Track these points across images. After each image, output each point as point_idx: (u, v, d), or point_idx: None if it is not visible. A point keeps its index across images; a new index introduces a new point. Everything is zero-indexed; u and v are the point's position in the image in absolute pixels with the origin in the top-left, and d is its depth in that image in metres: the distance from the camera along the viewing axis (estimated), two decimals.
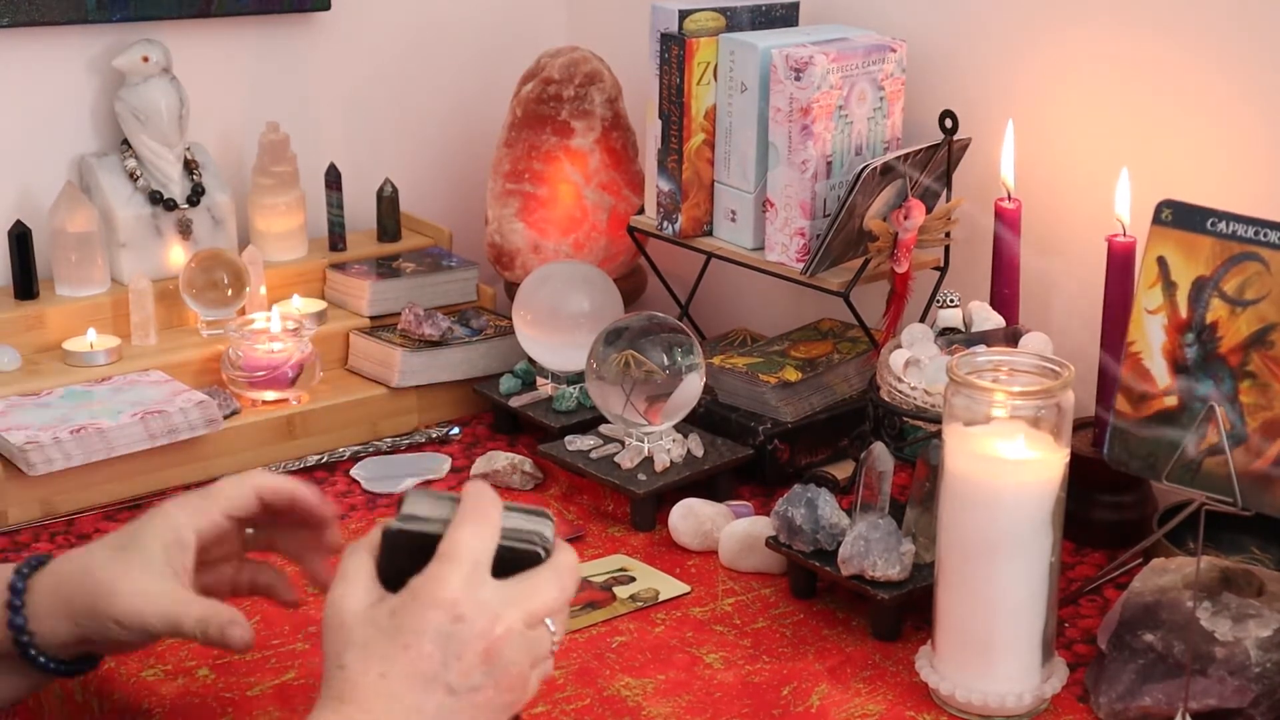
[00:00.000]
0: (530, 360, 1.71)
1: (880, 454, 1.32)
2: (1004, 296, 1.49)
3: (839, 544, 1.31)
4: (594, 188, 1.84)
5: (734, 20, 1.64)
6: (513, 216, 1.83)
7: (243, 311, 1.72)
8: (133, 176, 1.76)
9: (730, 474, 1.54)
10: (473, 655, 0.91)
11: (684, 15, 1.62)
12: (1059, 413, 1.15)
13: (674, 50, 1.62)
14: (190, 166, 1.78)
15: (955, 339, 1.41)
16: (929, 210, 1.55)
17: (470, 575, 0.92)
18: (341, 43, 1.94)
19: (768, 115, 1.58)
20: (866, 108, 1.59)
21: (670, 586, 1.39)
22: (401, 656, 0.90)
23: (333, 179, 1.86)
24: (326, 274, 1.85)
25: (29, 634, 1.07)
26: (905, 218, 1.50)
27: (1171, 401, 1.21)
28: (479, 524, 0.94)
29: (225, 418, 1.60)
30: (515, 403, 1.68)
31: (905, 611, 1.31)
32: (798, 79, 1.54)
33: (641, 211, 1.75)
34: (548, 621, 0.96)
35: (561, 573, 0.97)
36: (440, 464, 1.62)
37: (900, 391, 1.38)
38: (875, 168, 1.50)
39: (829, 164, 1.57)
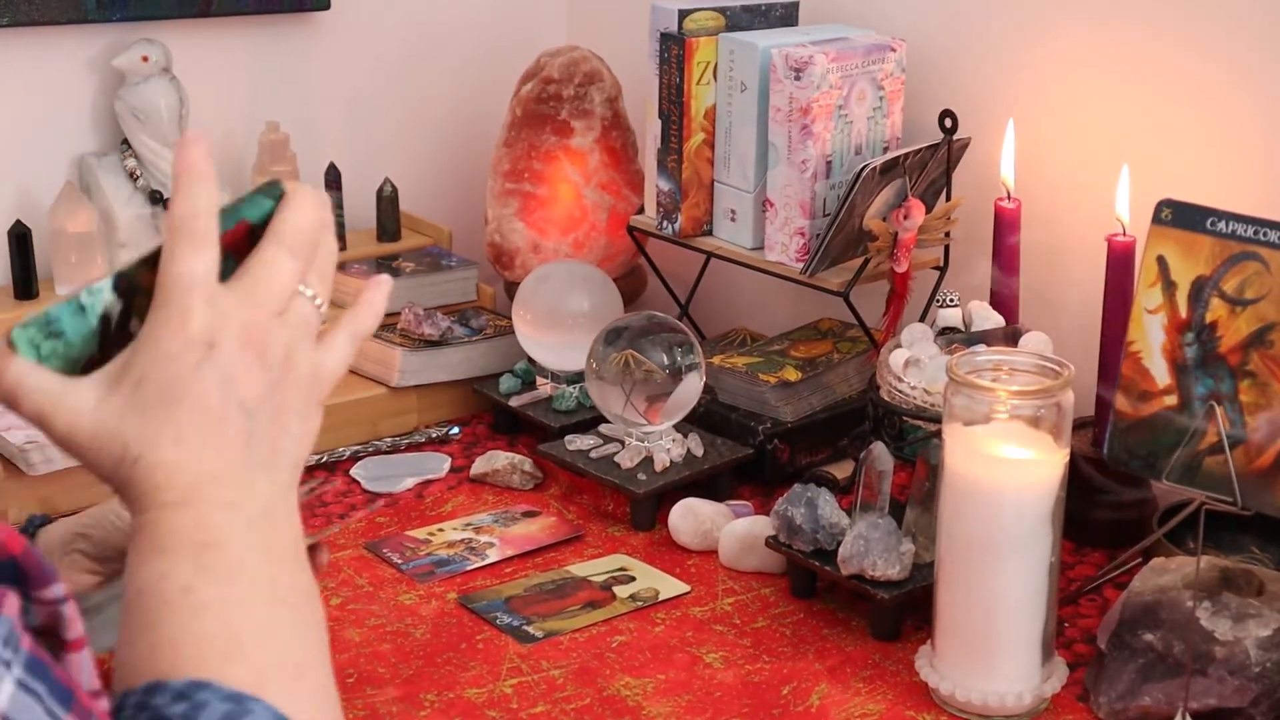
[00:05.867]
0: (530, 360, 1.71)
1: (880, 454, 1.32)
2: (1004, 296, 1.49)
3: (839, 544, 1.31)
4: (594, 187, 1.84)
5: (733, 20, 1.64)
6: (512, 216, 1.83)
7: None
8: (133, 176, 1.76)
9: (730, 474, 1.54)
10: (243, 367, 0.80)
11: (684, 15, 1.61)
12: (1059, 412, 1.15)
13: (674, 50, 1.62)
14: None
15: (955, 339, 1.41)
16: (929, 210, 1.55)
17: (201, 300, 0.80)
18: (341, 43, 1.94)
19: (767, 115, 1.58)
20: (866, 107, 1.59)
21: (670, 586, 1.39)
22: (180, 413, 0.78)
23: (333, 179, 1.86)
24: None
25: None
26: (905, 217, 1.50)
27: (1171, 401, 1.21)
28: (189, 244, 0.80)
29: None
30: (515, 402, 1.68)
31: (905, 611, 1.30)
32: (797, 79, 1.54)
33: (641, 211, 1.75)
34: (302, 289, 0.86)
35: (282, 236, 0.84)
36: (440, 463, 1.62)
37: (900, 391, 1.38)
38: (875, 167, 1.50)
39: (829, 164, 1.57)
